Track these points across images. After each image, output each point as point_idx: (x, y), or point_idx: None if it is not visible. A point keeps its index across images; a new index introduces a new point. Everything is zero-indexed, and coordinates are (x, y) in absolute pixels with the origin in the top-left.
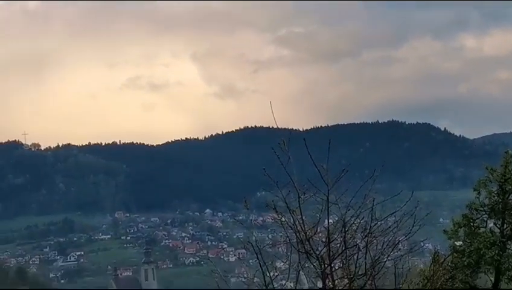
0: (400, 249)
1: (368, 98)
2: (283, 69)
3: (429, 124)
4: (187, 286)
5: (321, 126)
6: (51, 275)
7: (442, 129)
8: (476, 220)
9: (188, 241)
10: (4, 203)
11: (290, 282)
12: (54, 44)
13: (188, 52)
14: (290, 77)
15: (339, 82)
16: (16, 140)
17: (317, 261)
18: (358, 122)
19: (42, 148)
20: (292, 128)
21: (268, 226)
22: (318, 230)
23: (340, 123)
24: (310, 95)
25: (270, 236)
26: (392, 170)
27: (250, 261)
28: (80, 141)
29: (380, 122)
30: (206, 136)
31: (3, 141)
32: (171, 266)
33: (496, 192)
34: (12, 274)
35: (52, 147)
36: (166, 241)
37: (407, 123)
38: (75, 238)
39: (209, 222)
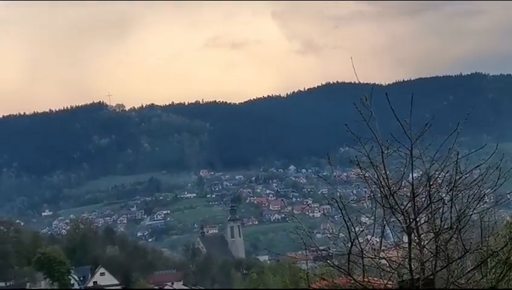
0: (485, 202)
1: (450, 50)
2: (364, 24)
3: None
4: (273, 243)
5: (403, 80)
6: (139, 234)
7: None
8: None
9: (272, 198)
10: (91, 164)
11: (376, 237)
12: (136, 5)
13: (268, 10)
14: (371, 32)
15: (421, 35)
16: (100, 101)
17: (402, 216)
18: (442, 75)
19: (126, 108)
20: (374, 83)
21: (352, 181)
22: (402, 185)
23: (422, 77)
24: (391, 49)
25: (354, 191)
26: (477, 122)
27: (335, 216)
28: (163, 100)
29: (463, 74)
30: (288, 93)
31: (88, 103)
32: (256, 223)
33: None
34: (100, 234)
35: (136, 107)
36: (251, 198)
37: (491, 75)
38: (161, 197)
39: (293, 179)
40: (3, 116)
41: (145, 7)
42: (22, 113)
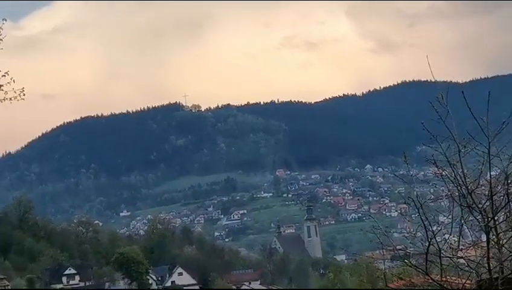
0: None
1: None
2: (440, 22)
3: None
4: (350, 242)
5: (480, 78)
6: (216, 233)
7: None
8: None
9: (349, 198)
10: (168, 164)
11: (453, 236)
12: (211, 5)
13: (343, 9)
14: (447, 29)
15: (498, 32)
16: (176, 102)
17: (480, 215)
18: None
19: (202, 109)
20: (451, 81)
21: (429, 180)
22: (480, 183)
23: (500, 74)
24: (468, 47)
25: (431, 190)
26: None
27: (413, 215)
28: (238, 100)
29: None
30: (364, 92)
31: (165, 103)
32: (333, 222)
33: None
34: (178, 234)
35: (212, 107)
36: (328, 197)
37: None
38: (237, 197)
39: (369, 178)
40: (81, 118)
41: (220, 7)
42: (100, 115)
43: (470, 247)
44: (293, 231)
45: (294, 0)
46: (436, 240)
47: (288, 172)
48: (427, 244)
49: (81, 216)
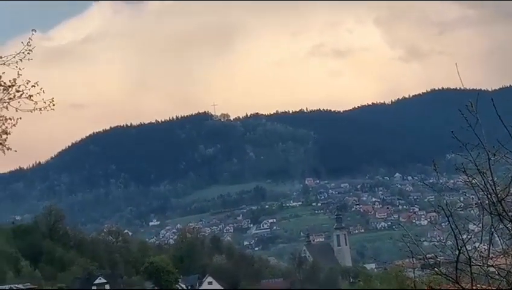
0: None
1: None
2: (469, 30)
3: None
4: (379, 251)
5: (510, 85)
6: (245, 242)
7: None
8: None
9: (378, 206)
10: (197, 174)
11: (484, 244)
12: (240, 15)
13: (371, 17)
14: (476, 37)
15: None
16: (205, 111)
17: (510, 223)
18: None
19: (231, 118)
20: (480, 89)
21: (459, 188)
22: (510, 191)
23: None
24: (497, 55)
25: (461, 199)
26: None
27: (442, 224)
28: (267, 109)
29: None
30: (393, 100)
31: (194, 113)
32: (362, 231)
33: None
34: (207, 243)
35: (240, 116)
36: (357, 206)
37: None
38: (266, 206)
39: (399, 186)
40: (110, 128)
41: (249, 17)
42: (129, 124)
43: (500, 255)
44: (323, 239)
45: (323, 4)
46: (466, 249)
47: (317, 181)
48: (457, 252)
49: (110, 226)
